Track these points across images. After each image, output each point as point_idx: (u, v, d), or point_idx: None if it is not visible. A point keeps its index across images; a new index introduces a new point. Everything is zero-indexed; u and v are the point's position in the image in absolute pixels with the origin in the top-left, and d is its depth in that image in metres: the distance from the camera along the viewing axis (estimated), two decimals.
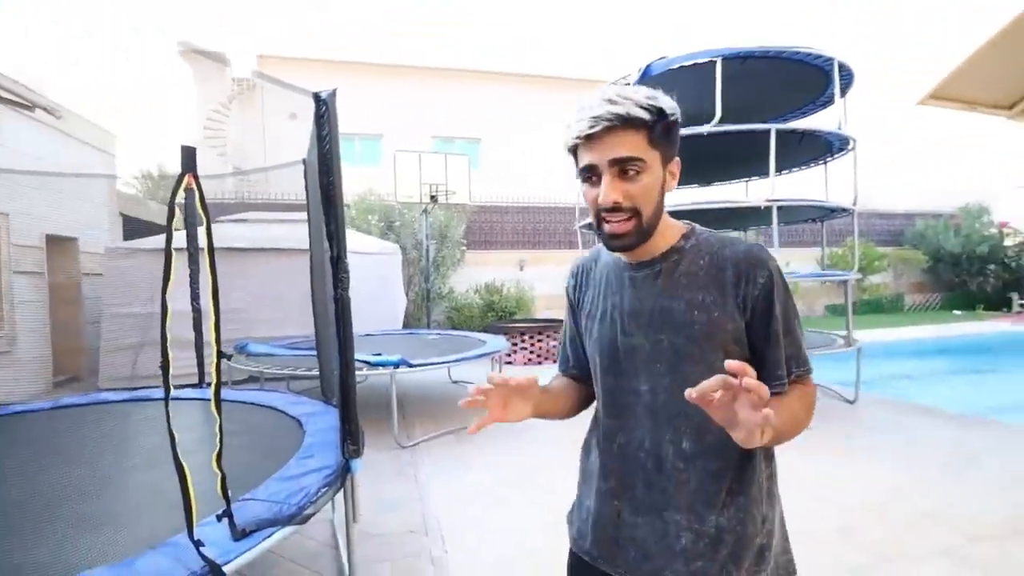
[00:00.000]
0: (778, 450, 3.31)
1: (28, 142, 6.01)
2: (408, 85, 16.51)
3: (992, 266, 13.50)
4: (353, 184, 8.63)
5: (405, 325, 7.49)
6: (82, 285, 6.97)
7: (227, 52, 14.95)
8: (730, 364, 0.63)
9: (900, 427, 4.21)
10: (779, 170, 5.17)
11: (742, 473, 0.86)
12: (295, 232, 6.94)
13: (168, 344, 1.36)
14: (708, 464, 0.84)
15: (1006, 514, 2.70)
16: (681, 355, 0.83)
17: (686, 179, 6.62)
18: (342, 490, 1.85)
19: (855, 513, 2.77)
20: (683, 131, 3.46)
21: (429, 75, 16.86)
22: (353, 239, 7.36)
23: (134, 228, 8.67)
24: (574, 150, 0.85)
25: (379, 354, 4.12)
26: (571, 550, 0.99)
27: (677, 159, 0.87)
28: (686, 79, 4.71)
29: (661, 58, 4.39)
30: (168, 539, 1.34)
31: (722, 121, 4.31)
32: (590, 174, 0.83)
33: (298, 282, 5.74)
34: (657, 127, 0.81)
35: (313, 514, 1.55)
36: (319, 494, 1.61)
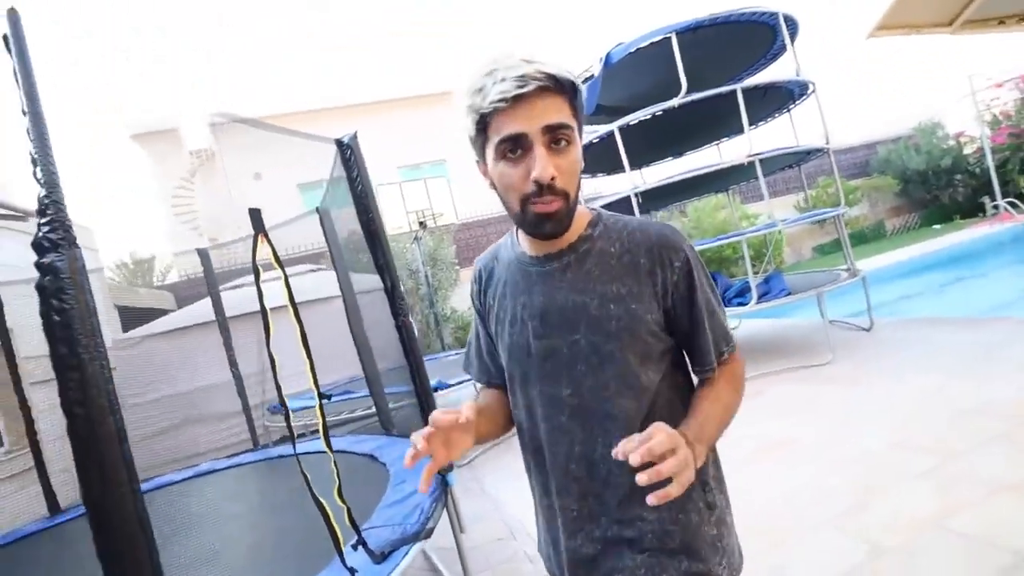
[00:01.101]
0: (817, 386, 3.55)
1: (14, 253, 5.99)
2: (365, 122, 16.63)
3: (958, 176, 13.96)
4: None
5: None
6: None
7: (179, 127, 14.93)
8: (619, 452, 0.62)
9: (918, 341, 4.39)
10: (748, 127, 5.38)
11: None
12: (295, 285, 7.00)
13: (283, 394, 1.43)
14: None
15: None
16: (601, 354, 0.77)
17: (660, 153, 6.83)
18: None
19: (903, 425, 2.92)
20: (654, 107, 3.64)
21: (385, 108, 17.03)
22: (359, 280, 7.41)
23: (128, 316, 8.62)
24: (484, 122, 0.71)
25: None
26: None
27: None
28: (644, 60, 4.90)
29: (618, 45, 4.58)
30: (317, 573, 1.42)
31: (687, 91, 4.49)
32: (514, 146, 0.70)
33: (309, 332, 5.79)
34: (579, 95, 0.73)
35: (434, 528, 1.64)
36: (432, 509, 1.69)
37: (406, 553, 1.49)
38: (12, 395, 5.55)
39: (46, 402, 5.98)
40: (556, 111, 0.69)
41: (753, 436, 3.25)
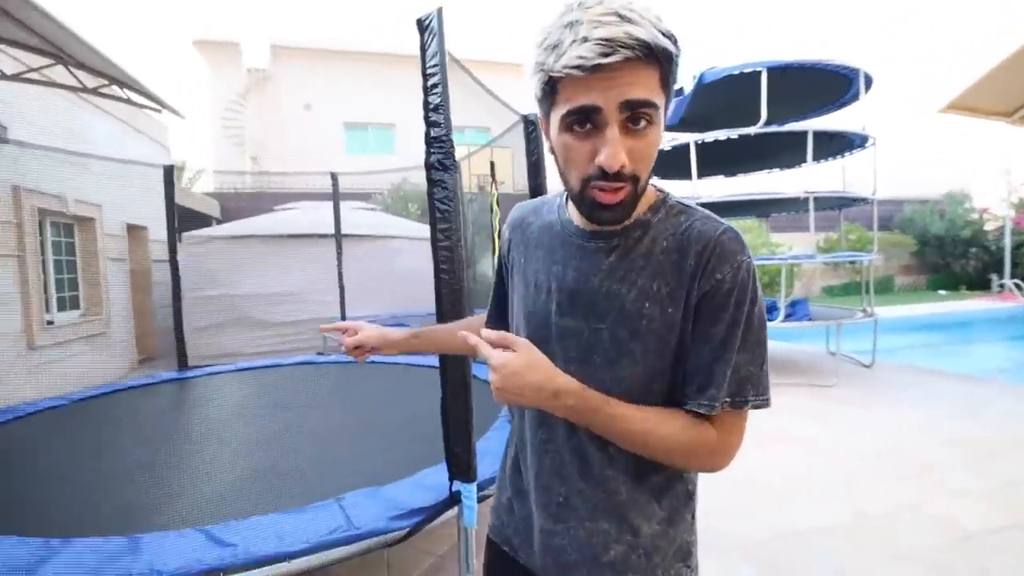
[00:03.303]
0: (821, 402, 4.37)
1: (101, 133, 6.41)
2: (417, 75, 16.83)
3: (974, 249, 14.53)
4: (371, 171, 9.05)
5: None
6: (152, 271, 7.42)
7: (241, 42, 15.10)
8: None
9: (914, 384, 4.98)
10: (800, 164, 5.87)
11: (678, 473, 0.75)
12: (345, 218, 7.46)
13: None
14: (639, 466, 0.72)
15: (1012, 439, 3.46)
16: (621, 350, 0.68)
17: (716, 169, 7.31)
18: None
19: (894, 442, 3.51)
20: (734, 131, 4.16)
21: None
22: (410, 227, 7.91)
23: (182, 217, 9.06)
24: (552, 85, 0.61)
25: None
26: (488, 536, 0.90)
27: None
28: (725, 83, 5.35)
29: (712, 68, 5.02)
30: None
31: (754, 121, 4.96)
32: (584, 119, 0.60)
33: (382, 265, 6.30)
34: (674, 65, 0.61)
35: None
36: None
37: None
38: (94, 266, 6.07)
39: (115, 278, 6.52)
40: (642, 85, 0.58)
41: (758, 429, 3.84)
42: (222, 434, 2.46)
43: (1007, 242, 12.29)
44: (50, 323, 5.27)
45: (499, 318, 0.94)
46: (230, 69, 15.25)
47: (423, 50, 1.47)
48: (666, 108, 0.63)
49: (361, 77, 16.10)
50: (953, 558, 2.17)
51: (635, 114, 0.59)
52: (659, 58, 0.58)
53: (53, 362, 5.08)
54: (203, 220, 10.55)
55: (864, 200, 5.64)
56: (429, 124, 1.46)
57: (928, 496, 2.71)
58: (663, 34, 0.57)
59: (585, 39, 0.55)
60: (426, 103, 1.47)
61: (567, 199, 0.79)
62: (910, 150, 18.99)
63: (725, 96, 5.71)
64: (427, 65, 1.47)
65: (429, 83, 1.47)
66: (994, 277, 12.79)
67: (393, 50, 16.76)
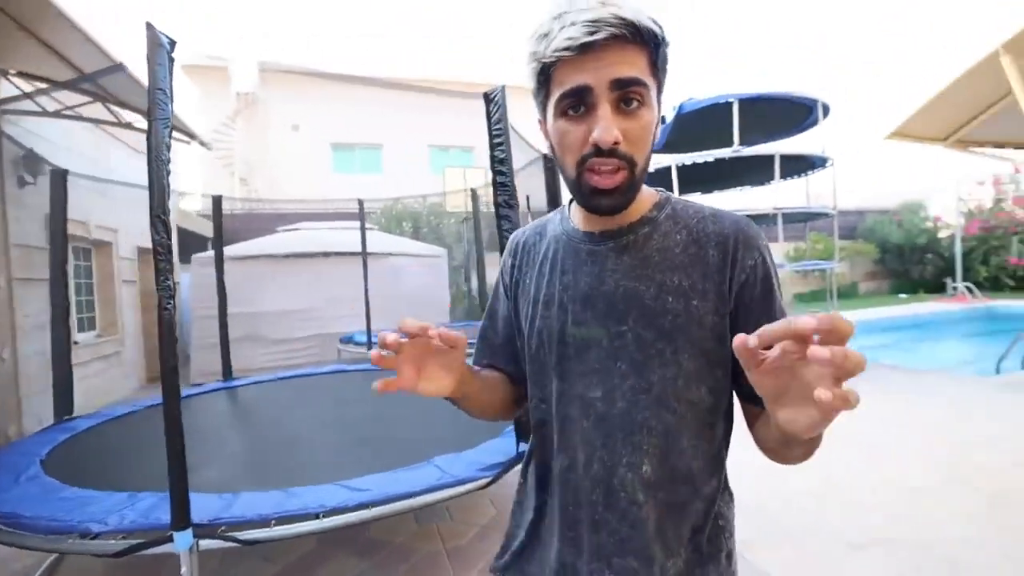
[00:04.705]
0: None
1: (116, 160, 6.69)
2: (404, 97, 17.31)
3: (929, 255, 15.61)
4: (357, 191, 9.41)
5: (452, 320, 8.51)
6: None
7: (231, 65, 15.38)
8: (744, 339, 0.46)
9: (877, 378, 5.60)
10: (768, 181, 6.53)
11: (712, 504, 0.69)
12: (348, 238, 7.84)
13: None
14: (673, 494, 0.66)
15: (959, 416, 4.04)
16: (648, 352, 0.65)
17: (692, 188, 7.96)
18: None
19: (869, 425, 4.06)
20: (712, 153, 4.87)
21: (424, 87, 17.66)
22: (405, 244, 8.32)
23: (184, 238, 9.31)
24: (545, 73, 0.62)
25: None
26: None
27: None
28: (702, 111, 6.00)
29: (689, 99, 5.65)
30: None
31: (729, 143, 5.61)
32: (576, 102, 0.61)
33: (388, 281, 6.69)
34: (662, 50, 0.62)
35: None
36: None
37: None
38: (109, 289, 6.32)
39: (128, 300, 6.76)
40: (631, 64, 0.60)
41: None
42: (299, 425, 2.85)
43: (958, 248, 13.31)
44: (75, 343, 5.51)
45: (485, 342, 0.87)
46: (220, 93, 15.51)
47: (489, 117, 1.95)
48: (659, 94, 0.65)
49: (349, 99, 16.51)
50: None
51: (626, 94, 0.60)
52: (646, 39, 0.60)
53: (78, 380, 5.32)
54: (201, 241, 10.77)
55: (826, 214, 6.30)
56: (496, 172, 1.93)
57: (876, 462, 3.25)
58: (651, 19, 0.60)
59: (573, 23, 0.58)
60: (493, 156, 1.95)
61: (570, 208, 0.78)
62: (874, 165, 20.24)
63: (702, 122, 6.36)
64: (493, 128, 1.94)
65: (495, 141, 1.94)
66: (949, 280, 13.79)
67: (380, 73, 17.24)
